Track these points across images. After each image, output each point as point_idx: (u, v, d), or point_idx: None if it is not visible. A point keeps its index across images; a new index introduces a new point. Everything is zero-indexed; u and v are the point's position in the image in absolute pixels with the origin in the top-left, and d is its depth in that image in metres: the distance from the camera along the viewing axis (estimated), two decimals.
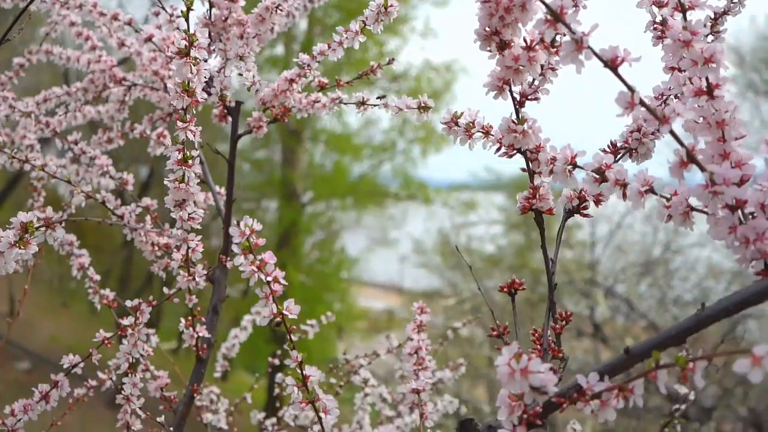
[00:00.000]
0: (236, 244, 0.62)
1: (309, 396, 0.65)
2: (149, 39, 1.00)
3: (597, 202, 0.69)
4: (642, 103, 0.51)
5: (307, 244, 11.64)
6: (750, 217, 0.52)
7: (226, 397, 1.53)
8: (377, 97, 0.96)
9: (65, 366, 0.93)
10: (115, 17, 1.11)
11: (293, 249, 10.88)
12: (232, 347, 1.48)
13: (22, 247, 0.69)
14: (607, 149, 0.71)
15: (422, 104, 0.82)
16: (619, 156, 0.70)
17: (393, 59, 1.00)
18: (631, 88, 0.51)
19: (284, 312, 0.64)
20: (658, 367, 0.48)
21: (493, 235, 10.07)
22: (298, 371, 0.65)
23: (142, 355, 0.97)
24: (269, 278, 0.62)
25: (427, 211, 11.01)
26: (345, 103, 0.97)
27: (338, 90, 0.97)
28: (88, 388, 1.13)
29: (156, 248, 1.00)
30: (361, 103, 0.95)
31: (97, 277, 1.11)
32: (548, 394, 0.51)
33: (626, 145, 0.70)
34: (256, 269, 0.62)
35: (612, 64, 0.51)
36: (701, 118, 0.55)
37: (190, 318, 0.97)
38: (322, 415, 0.65)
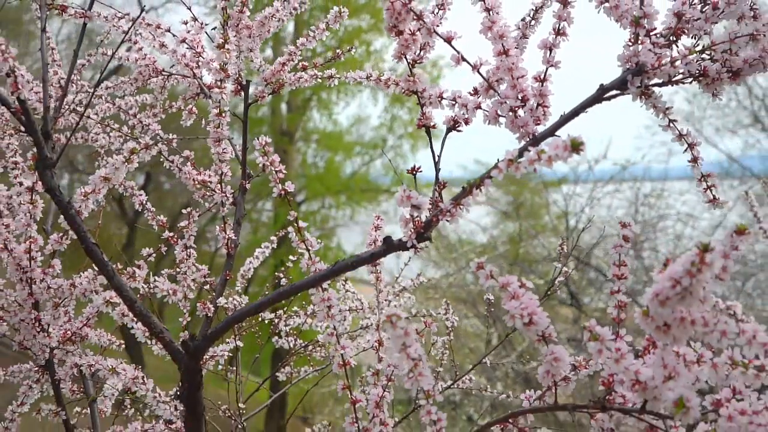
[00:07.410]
0: (257, 149, 1.11)
1: (301, 236, 1.14)
2: (183, 41, 1.49)
3: (466, 123, 1.18)
4: (463, 58, 1.00)
5: None
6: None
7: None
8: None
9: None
10: (158, 26, 1.60)
11: (290, 248, 11.32)
12: (248, 270, 1.97)
13: (129, 163, 1.17)
14: (472, 92, 1.19)
15: (369, 75, 1.31)
16: (480, 97, 1.19)
17: (352, 47, 1.50)
18: (458, 52, 1.00)
19: (286, 188, 1.13)
20: (483, 178, 0.96)
21: (485, 225, 10.51)
22: (296, 224, 1.14)
23: (187, 257, 1.46)
24: (276, 168, 1.11)
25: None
26: (320, 78, 1.46)
27: (315, 69, 1.47)
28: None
29: (195, 182, 1.48)
30: (331, 77, 1.44)
31: (153, 209, 1.60)
32: (422, 210, 0.99)
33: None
34: (269, 164, 1.11)
35: (448, 40, 1.00)
36: (501, 69, 1.04)
37: (222, 225, 1.46)
38: (309, 247, 1.14)
